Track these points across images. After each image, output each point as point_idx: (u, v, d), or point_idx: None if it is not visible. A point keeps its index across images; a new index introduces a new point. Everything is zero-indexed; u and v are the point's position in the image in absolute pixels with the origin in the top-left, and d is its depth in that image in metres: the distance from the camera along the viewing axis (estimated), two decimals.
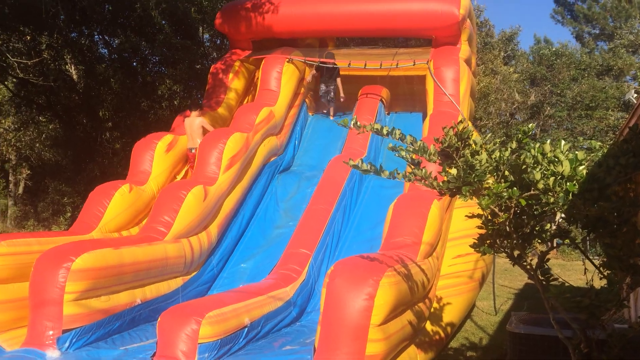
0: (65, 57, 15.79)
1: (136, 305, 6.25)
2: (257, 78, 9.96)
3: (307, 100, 10.39)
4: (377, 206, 8.22)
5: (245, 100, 10.27)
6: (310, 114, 10.57)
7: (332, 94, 10.04)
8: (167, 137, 8.46)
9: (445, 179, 3.08)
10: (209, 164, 7.96)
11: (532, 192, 2.85)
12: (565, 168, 2.71)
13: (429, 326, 6.07)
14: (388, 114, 10.28)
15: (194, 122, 8.79)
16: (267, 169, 9.14)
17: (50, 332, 5.35)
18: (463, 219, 6.87)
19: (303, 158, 9.90)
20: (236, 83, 9.95)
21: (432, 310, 6.25)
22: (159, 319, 5.23)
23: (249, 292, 6.22)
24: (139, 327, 6.25)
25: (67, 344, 5.36)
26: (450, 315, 6.42)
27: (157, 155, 8.19)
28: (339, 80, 9.94)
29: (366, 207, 8.47)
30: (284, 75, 9.48)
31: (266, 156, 9.05)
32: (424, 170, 3.17)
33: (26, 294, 5.68)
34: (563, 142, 2.85)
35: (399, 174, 3.22)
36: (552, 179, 2.73)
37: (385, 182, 8.66)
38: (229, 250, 8.28)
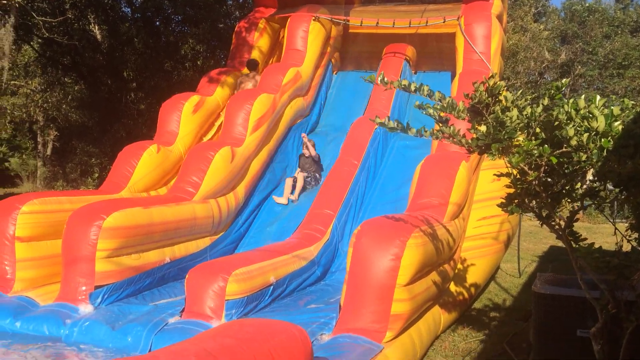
0: (88, 16, 15.80)
1: (165, 263, 6.38)
2: (283, 37, 9.82)
3: (332, 59, 10.25)
4: (401, 167, 8.18)
5: (271, 60, 10.17)
6: (334, 73, 10.44)
7: (311, 179, 8.70)
8: (194, 98, 8.45)
9: (475, 136, 3.02)
10: (236, 125, 7.97)
11: (563, 149, 2.78)
12: (600, 124, 2.63)
13: (453, 287, 6.09)
14: (415, 73, 10.10)
15: (252, 80, 9.05)
16: (293, 130, 9.11)
17: (83, 288, 5.48)
18: (489, 180, 6.86)
19: (328, 119, 9.83)
20: (261, 42, 9.84)
21: (456, 271, 6.26)
22: (187, 276, 5.32)
23: (274, 251, 6.29)
24: (168, 284, 6.38)
25: (99, 300, 5.50)
26: (474, 276, 6.43)
27: (184, 116, 8.21)
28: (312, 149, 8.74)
29: (390, 168, 8.43)
30: (310, 34, 9.32)
31: (293, 118, 9.01)
32: (452, 128, 3.12)
33: (59, 251, 5.83)
34: (598, 97, 2.77)
35: (426, 131, 3.16)
36: (585, 135, 2.65)
37: (410, 142, 8.59)
38: (257, 211, 8.36)
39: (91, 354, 4.61)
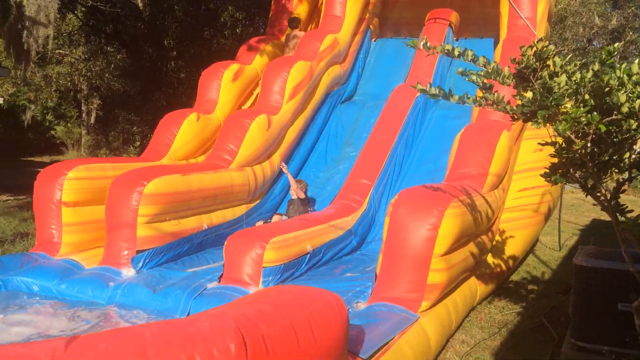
0: None
1: (203, 230, 6.48)
2: (321, 3, 9.68)
3: (371, 26, 10.07)
4: (440, 137, 8.04)
5: (309, 27, 10.06)
6: (372, 40, 10.26)
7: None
8: (234, 66, 8.45)
9: (520, 102, 2.91)
10: (272, 93, 7.96)
11: (613, 117, 2.66)
12: None
13: (490, 259, 6.03)
14: (457, 39, 9.83)
15: (292, 41, 9.08)
16: (329, 98, 9.04)
17: (125, 252, 5.63)
18: (531, 150, 6.69)
19: (365, 87, 9.71)
20: (300, 9, 9.72)
21: (494, 242, 6.18)
22: (226, 243, 5.39)
23: (311, 221, 6.32)
24: (205, 250, 6.50)
25: (140, 264, 5.63)
26: (512, 248, 6.34)
27: (223, 84, 8.24)
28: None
29: (429, 138, 8.30)
30: (348, 0, 9.17)
31: (329, 85, 8.93)
32: (496, 94, 3.01)
33: (102, 216, 6.00)
34: None
35: (468, 98, 3.07)
36: (638, 101, 2.53)
37: (449, 112, 8.42)
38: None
39: (133, 315, 4.76)
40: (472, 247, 5.26)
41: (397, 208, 4.63)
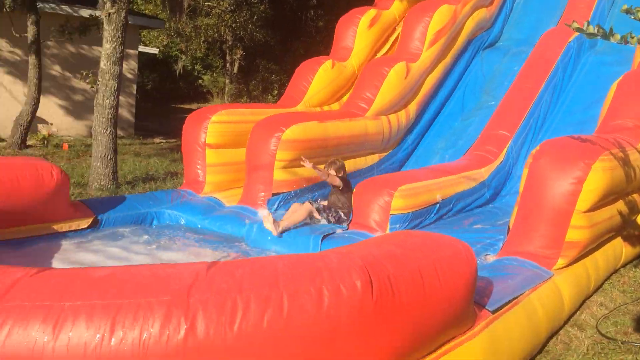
0: None
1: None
2: None
3: None
4: (593, 85, 7.34)
5: None
6: None
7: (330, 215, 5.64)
8: (371, 12, 8.30)
9: None
10: (413, 39, 7.72)
11: None
12: None
13: None
14: None
15: None
16: (472, 44, 8.56)
17: (262, 194, 5.91)
18: None
19: (511, 32, 9.05)
20: None
21: None
22: (354, 189, 5.46)
23: (442, 171, 6.17)
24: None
25: (275, 206, 5.88)
26: None
27: (359, 31, 8.14)
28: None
29: (580, 86, 7.60)
30: None
31: (473, 30, 8.44)
32: None
33: (241, 159, 6.34)
34: None
35: (632, 37, 2.73)
36: None
37: (606, 58, 7.63)
38: (425, 129, 8.20)
39: (267, 251, 5.04)
40: (620, 205, 4.82)
41: (538, 159, 4.35)
